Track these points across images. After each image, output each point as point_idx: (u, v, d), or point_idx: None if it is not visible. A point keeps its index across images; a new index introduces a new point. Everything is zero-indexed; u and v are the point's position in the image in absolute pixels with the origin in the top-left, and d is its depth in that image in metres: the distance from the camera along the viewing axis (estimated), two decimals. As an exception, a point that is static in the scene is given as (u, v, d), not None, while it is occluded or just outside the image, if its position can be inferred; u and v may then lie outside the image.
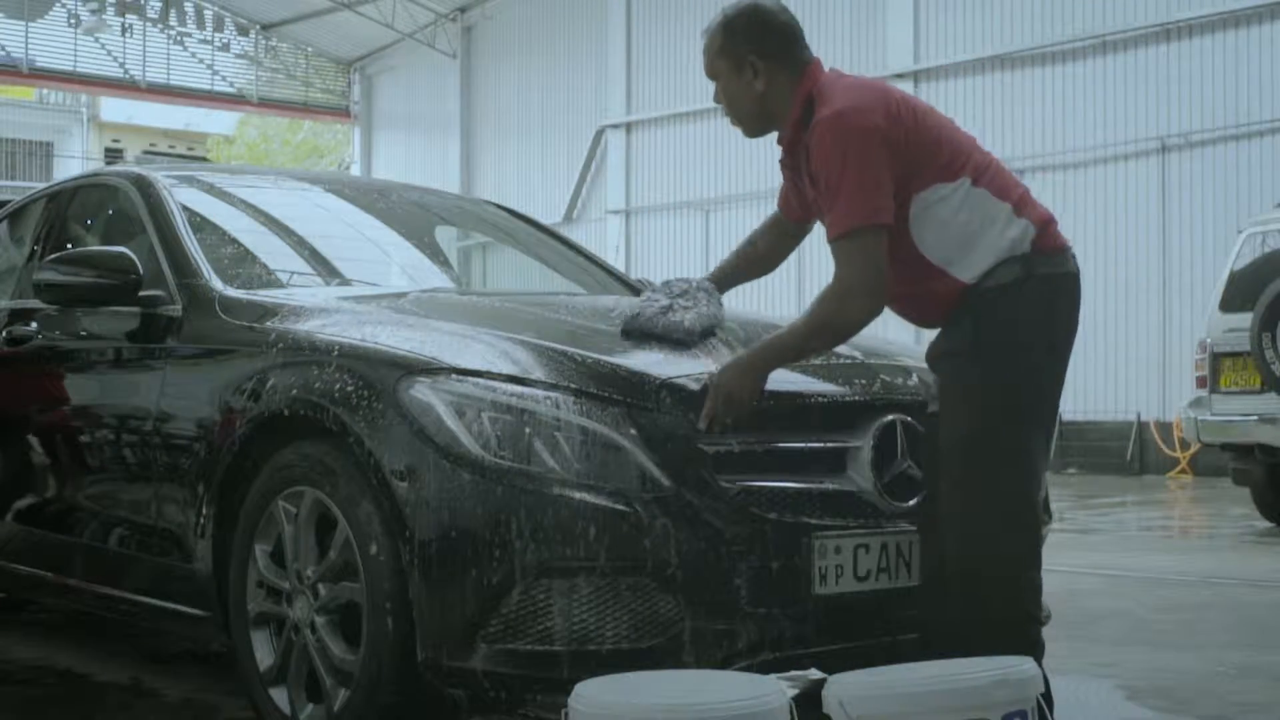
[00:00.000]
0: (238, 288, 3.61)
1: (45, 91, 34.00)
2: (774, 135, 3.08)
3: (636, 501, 2.69)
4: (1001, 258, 2.89)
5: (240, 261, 3.89)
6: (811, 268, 17.18)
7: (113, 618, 4.04)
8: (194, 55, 26.62)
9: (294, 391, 3.04)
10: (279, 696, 3.06)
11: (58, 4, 25.17)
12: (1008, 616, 2.84)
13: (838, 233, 2.84)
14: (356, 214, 4.48)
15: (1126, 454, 15.52)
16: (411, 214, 4.62)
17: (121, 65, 25.92)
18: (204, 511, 3.27)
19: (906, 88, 17.13)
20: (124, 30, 25.66)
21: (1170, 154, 15.35)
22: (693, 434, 2.78)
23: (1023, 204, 2.94)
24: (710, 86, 3.08)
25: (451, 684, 2.74)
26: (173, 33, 26.27)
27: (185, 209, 3.95)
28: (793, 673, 3.17)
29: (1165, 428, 15.01)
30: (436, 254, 4.46)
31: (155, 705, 3.68)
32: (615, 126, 21.59)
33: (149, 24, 25.96)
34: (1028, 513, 2.90)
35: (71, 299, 3.82)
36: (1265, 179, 14.50)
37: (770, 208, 3.47)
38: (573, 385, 2.79)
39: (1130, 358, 15.58)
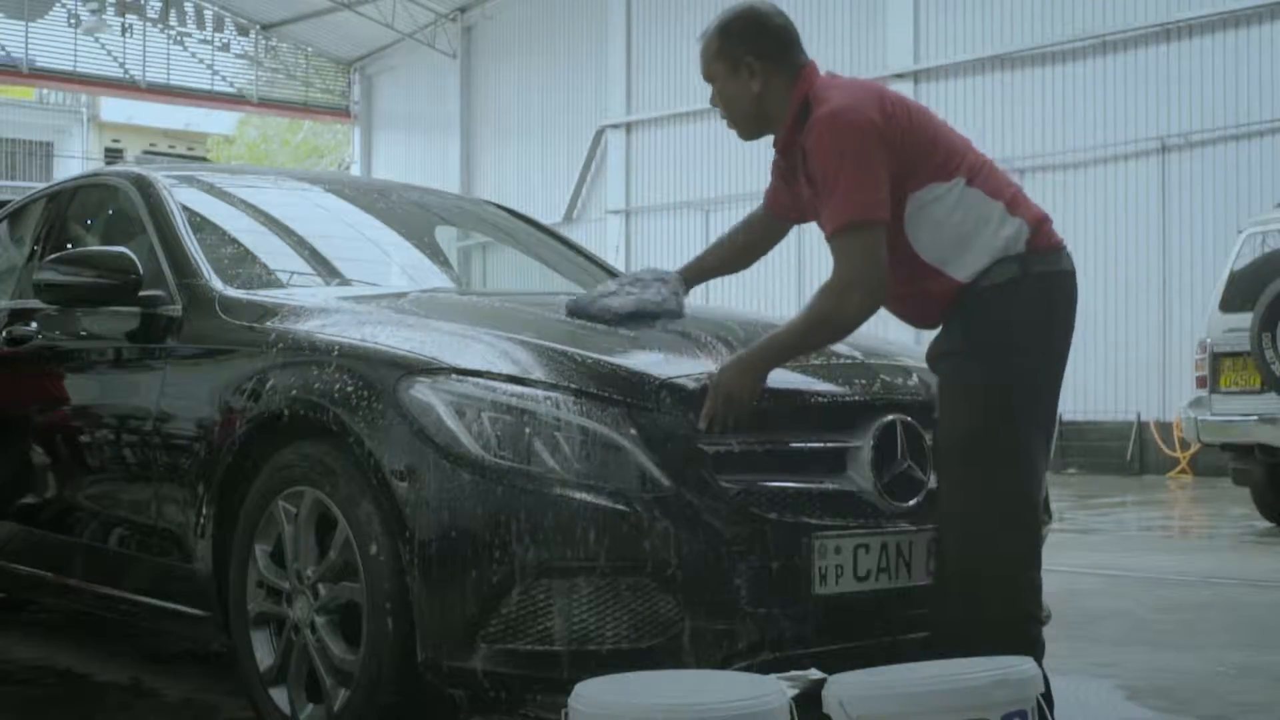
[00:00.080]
0: (238, 288, 3.61)
1: (45, 91, 34.00)
2: (772, 137, 3.09)
3: (636, 501, 2.69)
4: (997, 257, 2.89)
5: (240, 261, 3.89)
6: (811, 268, 17.20)
7: (113, 618, 4.05)
8: (194, 55, 26.62)
9: (294, 391, 3.04)
10: (279, 696, 3.06)
11: (58, 4, 25.17)
12: (1008, 616, 2.85)
13: (835, 228, 2.84)
14: (356, 214, 4.48)
15: (1126, 454, 15.52)
16: (411, 214, 4.62)
17: (121, 65, 25.93)
18: (204, 511, 3.28)
19: (906, 88, 17.16)
20: (124, 30, 25.66)
21: (1170, 154, 15.35)
22: (693, 434, 2.78)
23: (1016, 203, 2.95)
24: (709, 88, 3.08)
25: (451, 684, 2.74)
26: (173, 33, 26.27)
27: (185, 209, 3.95)
28: (793, 673, 3.17)
29: (1165, 428, 15.01)
30: (436, 254, 4.46)
31: (155, 705, 3.68)
32: (615, 126, 21.59)
33: (149, 24, 25.97)
34: (1027, 512, 2.90)
35: (71, 299, 3.82)
36: (1265, 179, 14.50)
37: (769, 208, 3.47)
38: (573, 385, 2.79)
39: (1130, 358, 15.58)
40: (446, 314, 3.33)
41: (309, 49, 27.51)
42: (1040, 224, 2.95)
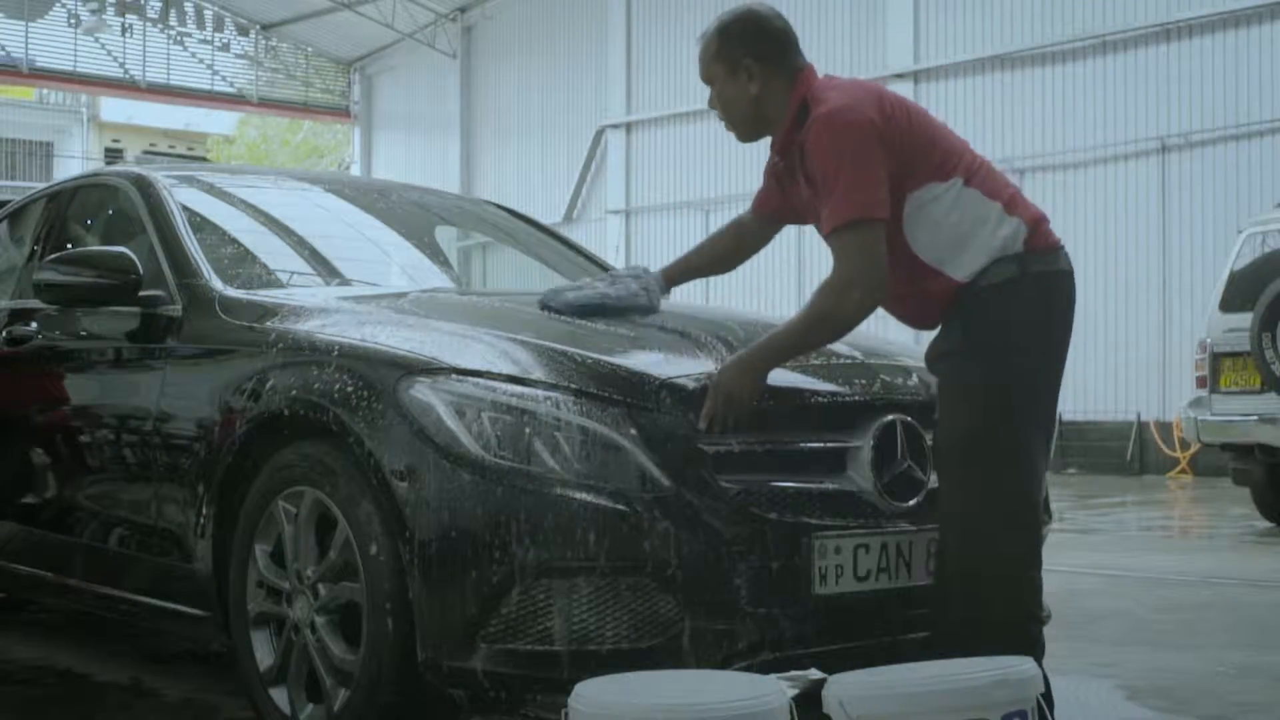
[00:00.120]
0: (238, 288, 3.61)
1: (45, 91, 34.00)
2: (770, 139, 3.10)
3: (636, 502, 2.69)
4: (995, 257, 2.90)
5: (240, 261, 3.89)
6: (811, 267, 17.21)
7: (113, 618, 4.05)
8: (194, 55, 26.63)
9: (294, 391, 3.04)
10: (279, 696, 3.06)
11: (58, 4, 25.18)
12: (1008, 616, 2.85)
13: (834, 226, 2.85)
14: (356, 214, 4.48)
15: (1126, 454, 15.52)
16: (411, 214, 4.62)
17: (121, 65, 25.93)
18: (204, 511, 3.28)
19: (906, 88, 17.16)
20: (124, 30, 25.67)
21: (1170, 154, 15.35)
22: (693, 434, 2.78)
23: (1013, 203, 2.96)
24: (708, 89, 3.09)
25: (451, 684, 2.74)
26: (173, 33, 26.28)
27: (185, 209, 3.95)
28: (793, 673, 3.17)
29: (1165, 428, 15.01)
30: (436, 254, 4.46)
31: (155, 705, 3.68)
32: (615, 126, 21.59)
33: (149, 24, 25.97)
34: (1027, 512, 2.90)
35: (71, 299, 3.82)
36: (1265, 179, 14.50)
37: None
38: (573, 385, 2.79)
39: (1130, 358, 15.59)
40: (446, 314, 3.33)
41: (309, 49, 27.52)
42: (1038, 224, 2.95)
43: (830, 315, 2.87)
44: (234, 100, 28.03)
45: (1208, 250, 14.43)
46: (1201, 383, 8.94)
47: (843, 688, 2.36)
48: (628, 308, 3.24)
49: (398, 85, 26.65)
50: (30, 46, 24.95)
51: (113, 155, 34.58)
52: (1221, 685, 3.98)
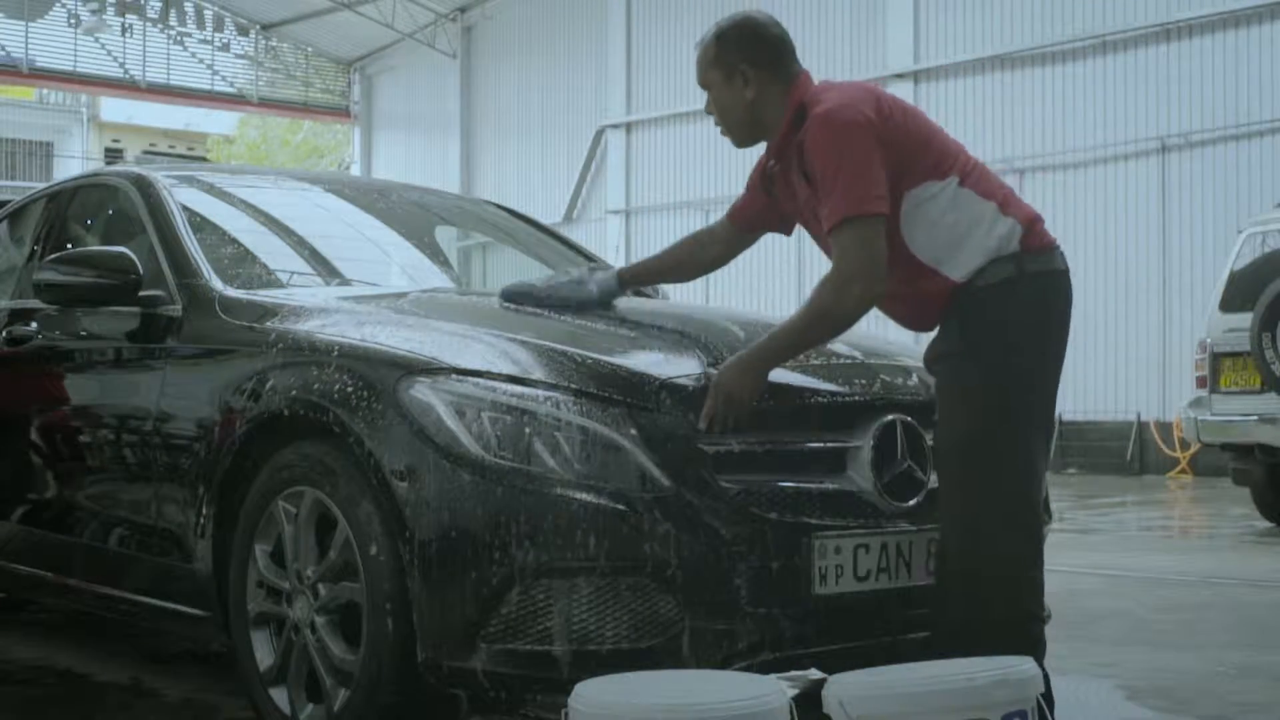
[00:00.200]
0: (238, 288, 3.61)
1: (45, 91, 34.00)
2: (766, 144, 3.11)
3: (636, 502, 2.69)
4: (991, 257, 2.90)
5: (240, 261, 3.89)
6: (811, 267, 17.20)
7: (113, 618, 4.05)
8: (194, 55, 26.63)
9: (294, 391, 3.04)
10: (279, 696, 3.06)
11: (58, 4, 25.18)
12: (1008, 616, 2.85)
13: (834, 222, 2.85)
14: (356, 214, 4.48)
15: (1126, 454, 15.52)
16: (411, 214, 4.62)
17: (121, 65, 25.93)
18: (204, 511, 3.27)
19: (906, 88, 17.17)
20: (124, 30, 25.67)
21: (1170, 154, 15.35)
22: (693, 434, 2.78)
23: (1008, 203, 2.97)
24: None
25: (451, 684, 2.74)
26: (173, 33, 26.28)
27: (185, 209, 3.95)
28: (793, 673, 3.17)
29: (1165, 428, 15.01)
30: (436, 254, 4.46)
31: (155, 705, 3.68)
32: (615, 126, 21.59)
33: (149, 24, 25.97)
34: (1027, 512, 2.90)
35: (71, 299, 3.82)
36: (1265, 179, 14.50)
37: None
38: (573, 385, 2.79)
39: (1130, 358, 15.59)
40: (446, 314, 3.33)
41: (309, 49, 27.52)
42: (1032, 224, 2.96)
43: (830, 310, 2.87)
44: (234, 100, 28.03)
45: (1208, 250, 14.44)
46: (1201, 383, 8.94)
47: (843, 688, 2.36)
48: (561, 296, 3.27)
49: (398, 85, 26.65)
50: (30, 46, 24.96)
51: (113, 155, 34.59)
52: (1221, 685, 3.98)
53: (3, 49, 24.75)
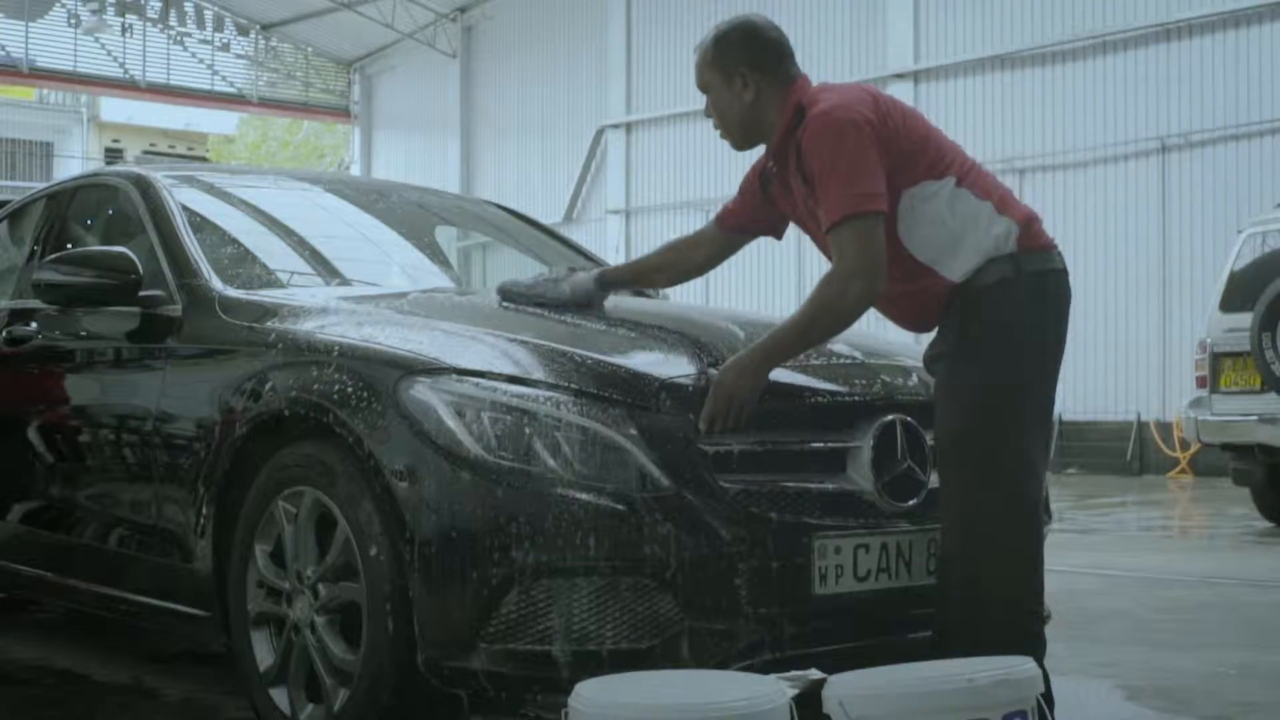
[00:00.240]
0: (238, 288, 3.61)
1: (45, 91, 34.00)
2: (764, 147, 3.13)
3: (636, 502, 2.69)
4: (988, 256, 2.91)
5: (240, 261, 3.89)
6: (811, 267, 17.20)
7: (113, 618, 4.05)
8: (194, 55, 26.63)
9: (294, 392, 3.04)
10: (279, 696, 3.06)
11: (58, 4, 25.18)
12: (1008, 615, 2.85)
13: (833, 220, 2.86)
14: (356, 214, 4.48)
15: (1126, 454, 15.52)
16: (411, 214, 4.62)
17: (121, 65, 25.93)
18: (204, 511, 3.27)
19: (906, 88, 17.17)
20: (124, 30, 25.66)
21: (1170, 154, 15.35)
22: (693, 434, 2.78)
23: (1004, 203, 2.97)
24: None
25: (452, 684, 2.74)
26: (173, 33, 26.28)
27: (185, 209, 3.95)
28: (793, 673, 3.16)
29: (1165, 428, 15.01)
30: (436, 254, 4.46)
31: (155, 705, 3.68)
32: (615, 126, 21.59)
33: (149, 24, 25.97)
34: (1027, 511, 2.90)
35: (71, 299, 3.82)
36: (1265, 179, 14.50)
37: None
38: (573, 385, 2.79)
39: (1130, 358, 15.59)
40: (446, 314, 3.33)
41: (309, 49, 27.52)
42: (1029, 223, 2.97)
43: (832, 306, 2.87)
44: (234, 100, 28.03)
45: (1208, 250, 14.43)
46: (1201, 383, 8.94)
47: (843, 688, 2.36)
48: (536, 294, 3.28)
49: (398, 85, 26.65)
50: (30, 46, 24.96)
51: (113, 155, 34.59)
52: (1221, 685, 3.98)
53: (3, 49, 24.75)
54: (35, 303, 4.08)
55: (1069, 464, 15.68)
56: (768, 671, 2.59)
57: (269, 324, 3.30)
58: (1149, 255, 15.44)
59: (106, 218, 4.47)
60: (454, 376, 2.82)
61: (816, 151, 2.89)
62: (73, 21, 25.15)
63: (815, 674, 2.74)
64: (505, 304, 3.33)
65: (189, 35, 26.45)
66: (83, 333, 4.05)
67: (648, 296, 4.09)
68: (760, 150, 3.18)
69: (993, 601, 2.83)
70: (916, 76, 17.57)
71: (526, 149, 23.35)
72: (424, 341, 2.99)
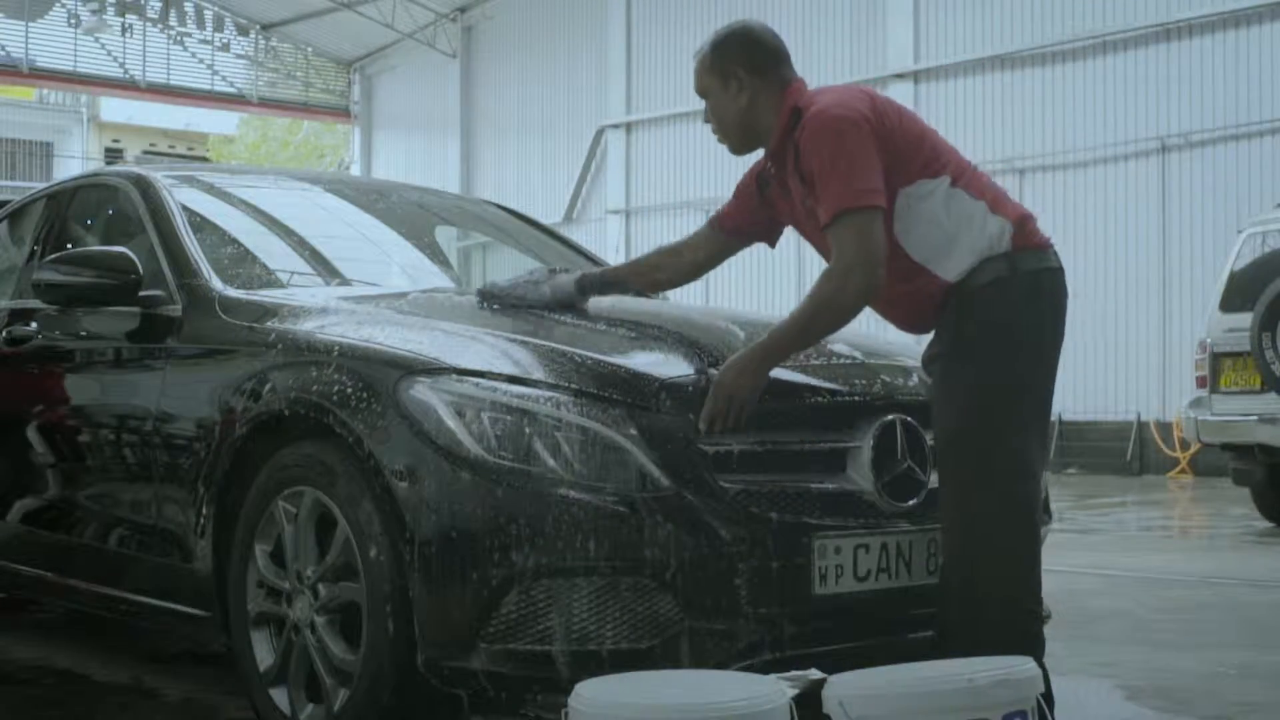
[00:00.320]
0: (238, 288, 3.61)
1: (45, 91, 34.00)
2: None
3: (636, 502, 2.69)
4: (983, 255, 2.92)
5: (240, 261, 3.89)
6: (811, 267, 17.20)
7: (113, 618, 4.05)
8: (194, 55, 26.63)
9: (294, 392, 3.04)
10: (279, 696, 3.06)
11: (58, 4, 25.18)
12: (1006, 615, 2.85)
13: (831, 215, 2.86)
14: (356, 214, 4.48)
15: (1126, 454, 15.52)
16: (411, 214, 4.62)
17: (121, 65, 25.93)
18: (204, 511, 3.27)
19: (906, 88, 17.17)
20: (124, 30, 25.66)
21: (1170, 154, 15.35)
22: (693, 434, 2.78)
23: (997, 203, 2.98)
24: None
25: (452, 684, 2.74)
26: (173, 33, 26.27)
27: (185, 209, 3.95)
28: (793, 673, 3.16)
29: (1165, 428, 15.01)
30: (436, 254, 4.46)
31: (155, 705, 3.68)
32: (615, 126, 21.59)
33: (149, 24, 25.97)
34: (1025, 511, 2.90)
35: (71, 299, 3.82)
36: (1265, 179, 14.50)
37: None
38: (573, 385, 2.79)
39: (1130, 358, 15.58)
40: (447, 314, 3.33)
41: (309, 49, 27.52)
42: (1023, 222, 2.97)
43: (832, 301, 2.87)
44: (234, 100, 28.03)
45: (1208, 250, 14.43)
46: (1201, 383, 8.94)
47: (843, 688, 2.36)
48: (516, 295, 3.28)
49: (398, 85, 26.65)
50: (30, 46, 24.95)
51: (113, 155, 34.59)
52: (1221, 685, 3.99)
53: (3, 49, 24.75)
54: (35, 303, 4.08)
55: (1069, 464, 15.68)
56: (768, 671, 2.59)
57: (269, 324, 3.30)
58: (1149, 255, 15.44)
59: (106, 218, 4.47)
60: (454, 376, 2.82)
61: (815, 150, 2.90)
62: (73, 21, 25.15)
63: (815, 674, 2.74)
64: (483, 305, 3.31)
65: (189, 35, 26.45)
66: (83, 333, 4.05)
67: (647, 297, 4.09)
68: (758, 154, 3.19)
69: (990, 601, 2.83)
70: (916, 76, 17.57)
71: (526, 149, 23.35)
72: (424, 341, 2.99)
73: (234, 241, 4.05)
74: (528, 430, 2.73)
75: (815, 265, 2.97)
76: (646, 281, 3.48)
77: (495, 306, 3.30)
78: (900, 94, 16.84)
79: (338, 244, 4.27)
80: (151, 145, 36.61)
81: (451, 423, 2.75)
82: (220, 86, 27.31)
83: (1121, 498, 12.36)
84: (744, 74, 3.05)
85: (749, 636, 2.75)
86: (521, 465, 2.71)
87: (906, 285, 2.96)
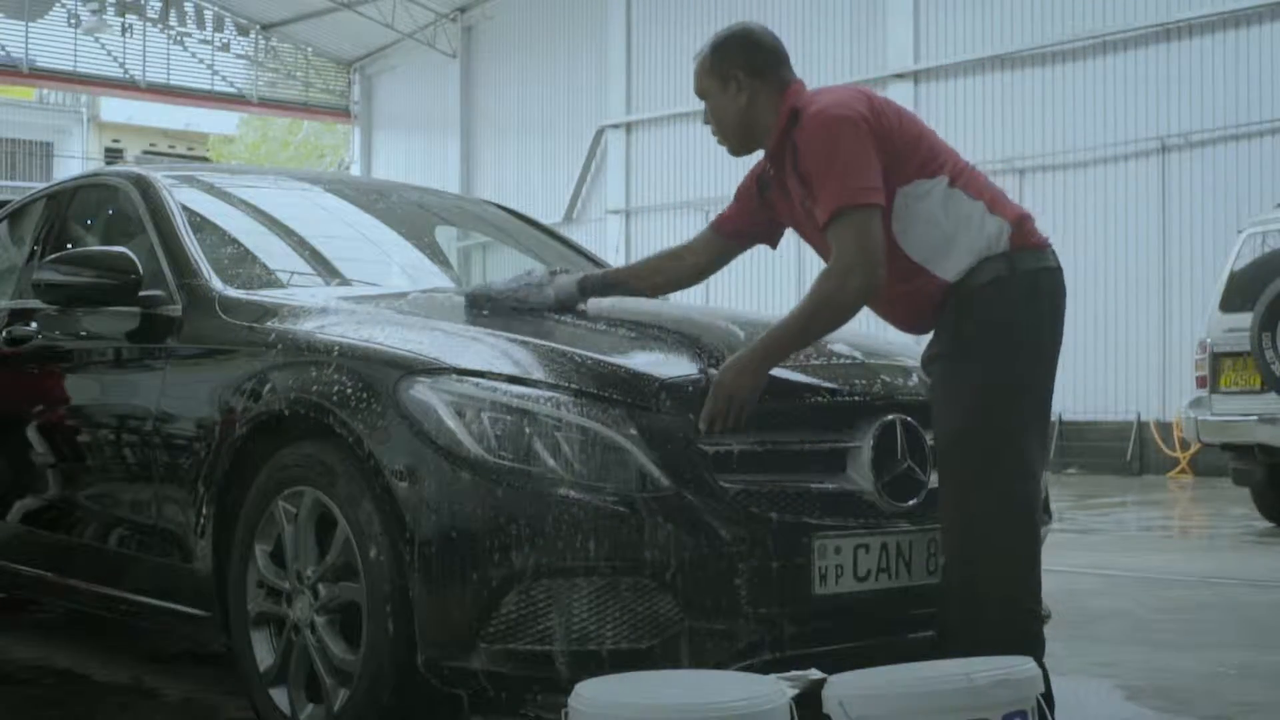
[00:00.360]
0: (238, 288, 3.61)
1: (45, 91, 34.00)
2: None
3: (636, 502, 2.69)
4: (981, 255, 2.92)
5: (240, 261, 3.89)
6: (811, 268, 17.19)
7: (113, 618, 4.05)
8: (194, 55, 26.63)
9: (294, 392, 3.04)
10: (279, 696, 3.06)
11: (58, 4, 25.18)
12: (1006, 615, 2.85)
13: (829, 213, 2.87)
14: (356, 214, 4.48)
15: (1126, 454, 15.52)
16: (411, 214, 4.62)
17: (121, 65, 25.93)
18: (204, 511, 3.27)
19: (906, 88, 17.17)
20: (124, 30, 25.66)
21: (1170, 154, 15.35)
22: (693, 434, 2.78)
23: (995, 203, 2.99)
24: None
25: (452, 684, 2.74)
26: (173, 33, 26.27)
27: (185, 209, 3.95)
28: (793, 673, 3.16)
29: (1165, 428, 15.01)
30: (436, 254, 4.46)
31: (155, 705, 3.68)
32: (615, 126, 21.59)
33: (149, 24, 25.97)
34: (1025, 510, 2.90)
35: (71, 299, 3.82)
36: (1265, 179, 14.50)
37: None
38: (573, 385, 2.79)
39: (1130, 358, 15.58)
40: (447, 314, 3.33)
41: (309, 49, 27.52)
42: (1021, 222, 2.97)
43: (832, 299, 2.87)
44: (234, 100, 28.03)
45: (1208, 250, 14.43)
46: (1201, 383, 8.94)
47: (843, 688, 2.36)
48: (519, 298, 3.25)
49: (398, 85, 26.65)
50: (30, 46, 24.95)
51: (113, 155, 34.59)
52: (1221, 685, 3.99)
53: (3, 49, 24.75)
54: (35, 303, 4.08)
55: (1069, 464, 15.67)
56: (768, 671, 2.59)
57: (269, 324, 3.30)
58: (1149, 255, 15.44)
59: (106, 218, 4.47)
60: (454, 376, 2.82)
61: (813, 149, 2.91)
62: (73, 21, 25.15)
63: (815, 674, 2.74)
64: (473, 309, 3.28)
65: (189, 35, 26.45)
66: (83, 333, 4.05)
67: (648, 298, 4.09)
68: (758, 156, 3.19)
69: (990, 601, 2.83)
70: (916, 76, 17.57)
71: (526, 149, 23.35)
72: (424, 341, 2.99)
73: (234, 241, 4.05)
74: (528, 430, 2.73)
75: (815, 266, 2.97)
76: (647, 285, 3.47)
77: (485, 312, 3.27)
78: (900, 94, 16.85)
79: (338, 244, 4.27)
80: (151, 145, 36.61)
81: (451, 423, 2.75)
82: (220, 86, 27.31)
83: (1121, 498, 12.36)
84: (743, 76, 3.06)
85: (749, 636, 2.75)
86: (521, 465, 2.71)
87: (905, 285, 2.97)
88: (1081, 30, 16.00)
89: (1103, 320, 15.38)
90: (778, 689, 2.26)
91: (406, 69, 26.00)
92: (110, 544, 3.73)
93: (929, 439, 3.02)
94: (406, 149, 26.29)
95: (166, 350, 3.60)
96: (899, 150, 2.93)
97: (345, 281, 3.94)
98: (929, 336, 3.05)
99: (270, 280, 3.84)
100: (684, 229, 20.19)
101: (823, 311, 2.89)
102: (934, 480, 3.00)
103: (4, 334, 4.35)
